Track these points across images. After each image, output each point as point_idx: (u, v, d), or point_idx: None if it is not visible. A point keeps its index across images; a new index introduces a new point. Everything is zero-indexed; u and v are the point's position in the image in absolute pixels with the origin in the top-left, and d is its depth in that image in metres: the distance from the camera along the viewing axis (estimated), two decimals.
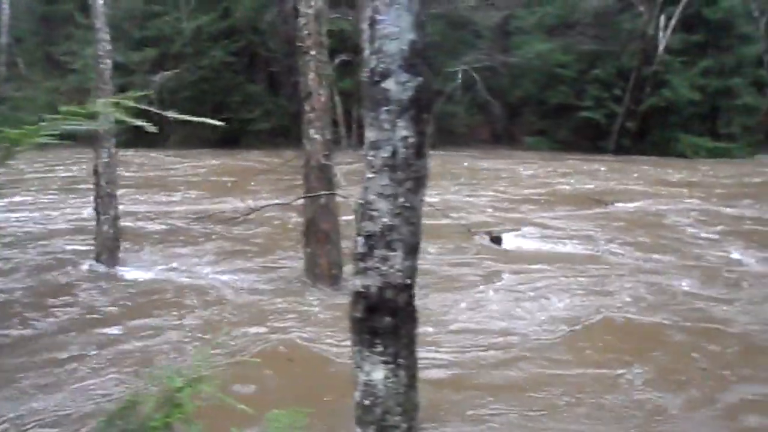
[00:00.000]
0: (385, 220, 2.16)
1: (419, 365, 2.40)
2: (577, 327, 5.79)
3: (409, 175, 2.16)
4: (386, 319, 2.26)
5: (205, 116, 2.24)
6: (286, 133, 22.61)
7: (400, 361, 2.38)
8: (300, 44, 6.91)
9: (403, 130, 2.11)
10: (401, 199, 2.17)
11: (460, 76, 25.09)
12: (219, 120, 2.62)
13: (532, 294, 6.87)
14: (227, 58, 25.40)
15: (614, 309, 6.29)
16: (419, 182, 2.21)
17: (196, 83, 25.13)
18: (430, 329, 5.57)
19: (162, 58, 25.24)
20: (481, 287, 7.14)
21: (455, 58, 25.45)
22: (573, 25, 25.85)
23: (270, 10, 23.72)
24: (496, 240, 8.97)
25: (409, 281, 2.31)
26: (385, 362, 2.35)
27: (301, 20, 6.90)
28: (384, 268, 2.22)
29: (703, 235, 10.24)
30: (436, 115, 24.69)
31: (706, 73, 24.83)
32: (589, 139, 25.03)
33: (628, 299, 6.69)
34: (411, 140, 2.13)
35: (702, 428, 4.21)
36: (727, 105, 25.09)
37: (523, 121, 27.48)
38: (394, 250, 2.21)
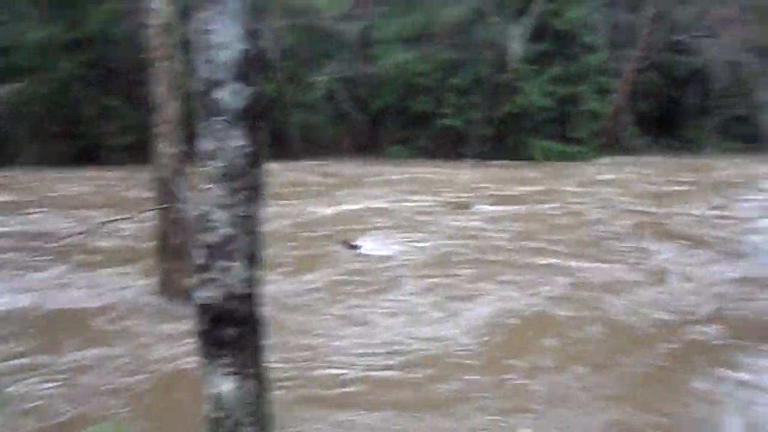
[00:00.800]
0: (223, 230, 2.16)
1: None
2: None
3: (245, 184, 2.17)
4: (231, 330, 2.25)
5: (57, 131, 2.14)
6: (146, 148, 21.75)
7: (249, 371, 2.37)
8: (149, 56, 6.74)
9: (238, 139, 2.11)
10: (239, 209, 2.17)
11: (322, 86, 25.17)
12: (73, 135, 2.51)
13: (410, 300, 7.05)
14: (79, 70, 24.16)
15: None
16: (256, 191, 2.21)
17: (47, 96, 23.73)
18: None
19: (6, 71, 23.67)
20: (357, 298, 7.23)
21: (317, 69, 25.57)
22: (431, 35, 26.63)
23: (122, 22, 22.82)
24: (355, 247, 9.26)
25: (251, 291, 2.31)
26: (234, 373, 2.33)
27: (150, 32, 6.74)
28: (225, 279, 2.21)
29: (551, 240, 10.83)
30: (298, 125, 24.69)
31: (555, 81, 26.27)
32: (450, 145, 25.85)
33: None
34: (246, 150, 2.14)
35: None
36: (574, 111, 26.65)
37: (385, 130, 27.93)
38: (234, 260, 2.21)
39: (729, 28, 28.43)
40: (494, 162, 24.04)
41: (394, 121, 27.84)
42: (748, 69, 28.74)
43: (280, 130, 25.10)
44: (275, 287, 7.18)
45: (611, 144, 27.54)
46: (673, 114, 30.98)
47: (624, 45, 29.08)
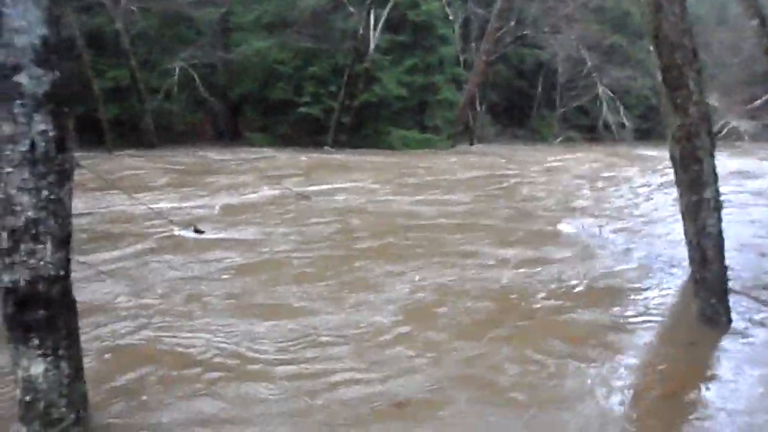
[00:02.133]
0: (28, 213, 2.18)
1: None
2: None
3: (51, 168, 2.20)
4: (40, 313, 2.28)
5: None
6: None
7: (61, 353, 2.40)
8: None
9: (41, 124, 2.14)
10: (45, 193, 2.19)
11: (177, 72, 24.48)
12: None
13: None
14: None
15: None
16: (64, 175, 2.25)
17: None
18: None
19: None
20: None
21: (172, 55, 24.85)
22: (290, 23, 26.58)
23: None
24: (199, 231, 9.31)
25: (62, 273, 2.34)
26: (44, 355, 2.35)
27: None
28: (32, 261, 2.23)
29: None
30: (153, 112, 23.91)
31: (412, 71, 27.00)
32: (309, 134, 25.97)
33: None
34: (51, 134, 2.16)
35: None
36: (431, 100, 27.57)
37: (245, 118, 27.65)
38: (42, 243, 2.23)
39: (571, 25, 30.33)
40: (354, 150, 24.43)
41: (254, 109, 27.61)
42: (588, 64, 30.77)
43: (134, 117, 24.26)
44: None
45: (466, 133, 28.66)
46: (521, 104, 32.71)
47: (476, 38, 30.41)
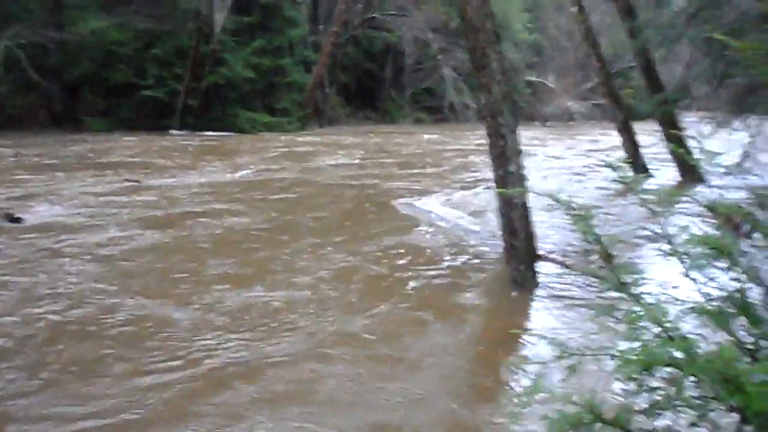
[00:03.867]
0: None
1: None
2: None
3: None
4: None
5: None
6: None
7: None
8: None
9: None
10: None
11: (1, 52, 22.79)
12: None
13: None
14: None
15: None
16: None
17: None
18: None
19: None
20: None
21: None
22: (129, 2, 25.48)
23: None
24: (15, 220, 8.90)
25: None
26: None
27: None
28: None
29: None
30: None
31: (260, 53, 26.73)
32: (154, 117, 25.13)
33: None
34: None
35: None
36: (279, 82, 27.44)
37: (83, 102, 26.27)
38: None
39: (418, 7, 31.11)
40: (199, 134, 23.94)
41: (93, 92, 26.27)
42: (434, 46, 31.64)
43: None
44: None
45: (317, 114, 28.76)
46: (371, 86, 33.21)
47: (324, 20, 30.52)
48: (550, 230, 8.81)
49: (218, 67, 25.81)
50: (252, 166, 15.98)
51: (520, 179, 6.76)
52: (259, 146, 20.69)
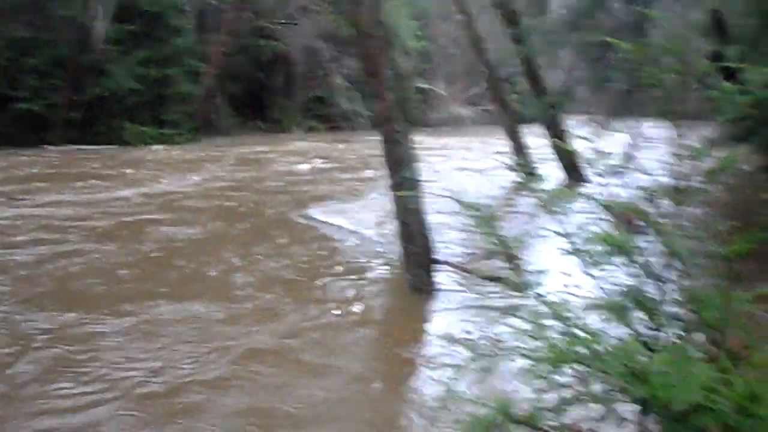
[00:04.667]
0: None
1: None
2: None
3: None
4: None
5: None
6: None
7: None
8: None
9: None
10: None
11: None
12: None
13: None
14: None
15: None
16: None
17: None
18: None
19: None
20: None
21: None
22: (2, 10, 24.04)
23: None
24: None
25: None
26: None
27: None
28: None
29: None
30: None
31: (145, 63, 25.80)
32: (33, 131, 23.68)
33: None
34: None
35: None
36: (167, 93, 26.56)
37: None
38: None
39: (307, 16, 30.97)
40: (85, 148, 22.83)
41: None
42: (325, 55, 31.58)
43: None
44: None
45: (206, 126, 28.04)
46: (262, 96, 32.77)
47: (212, 29, 29.84)
48: (453, 233, 8.98)
49: (101, 78, 24.72)
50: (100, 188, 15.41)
51: (416, 184, 6.83)
52: (128, 160, 19.99)
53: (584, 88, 14.02)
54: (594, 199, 2.56)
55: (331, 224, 10.42)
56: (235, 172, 17.31)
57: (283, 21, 31.55)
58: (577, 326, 2.21)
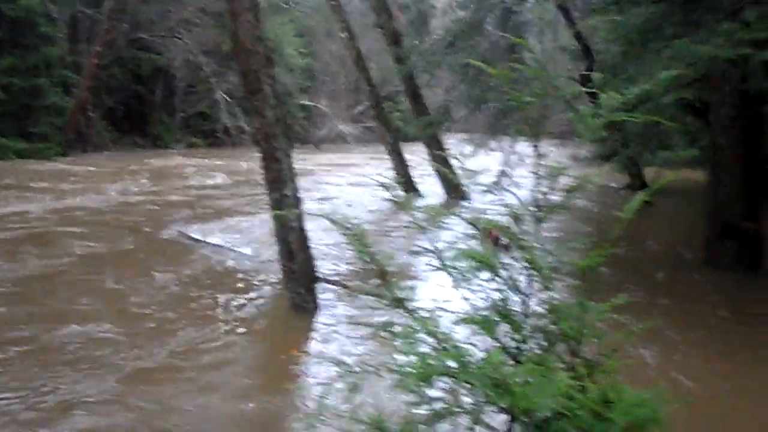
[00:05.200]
0: None
1: None
2: None
3: None
4: None
5: None
6: None
7: None
8: None
9: None
10: None
11: None
12: None
13: None
14: None
15: None
16: None
17: None
18: None
19: None
20: None
21: None
22: None
23: None
24: None
25: None
26: None
27: None
28: None
29: None
30: None
31: (10, 72, 24.39)
32: None
33: None
34: None
35: None
36: (36, 104, 25.18)
37: None
38: None
39: (189, 29, 30.27)
40: None
41: None
42: (206, 69, 30.93)
43: None
44: None
45: (80, 140, 26.77)
46: (140, 110, 31.74)
47: (86, 39, 28.64)
48: (336, 251, 9.02)
49: None
50: None
51: (296, 202, 6.82)
52: None
53: (461, 107, 14.48)
54: (461, 216, 2.65)
55: (220, 245, 10.20)
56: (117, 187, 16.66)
57: (163, 34, 30.69)
58: (446, 339, 2.28)
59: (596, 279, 2.44)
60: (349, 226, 2.46)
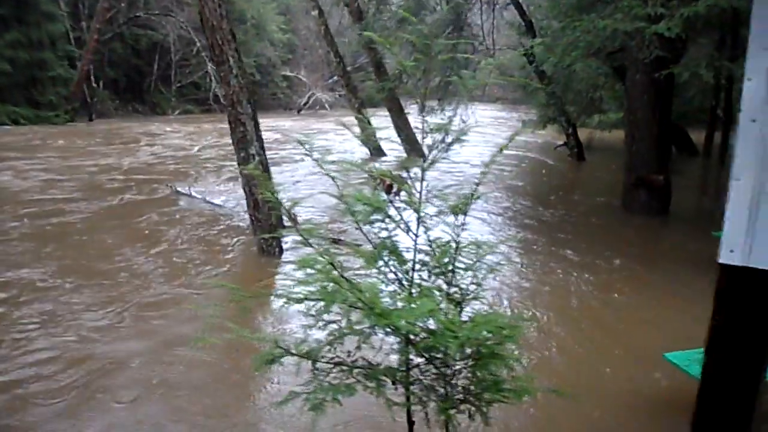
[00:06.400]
0: None
1: None
2: None
3: None
4: None
5: None
6: None
7: None
8: None
9: None
10: None
11: None
12: None
13: None
14: None
15: None
16: None
17: None
18: None
19: None
20: None
21: None
22: None
23: None
24: None
25: None
26: None
27: None
28: None
29: None
30: None
31: (15, 46, 23.64)
32: None
33: None
34: None
35: None
36: (42, 76, 24.53)
37: None
38: None
39: (181, 8, 29.55)
40: None
41: None
42: (198, 44, 30.26)
43: None
44: None
45: (86, 108, 26.23)
46: (140, 81, 31.16)
47: (87, 17, 27.85)
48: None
49: None
50: None
51: (261, 159, 6.81)
52: None
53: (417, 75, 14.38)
54: (363, 168, 2.69)
55: (199, 198, 10.16)
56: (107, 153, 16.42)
57: (158, 12, 29.96)
58: (342, 273, 2.33)
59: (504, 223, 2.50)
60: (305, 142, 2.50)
